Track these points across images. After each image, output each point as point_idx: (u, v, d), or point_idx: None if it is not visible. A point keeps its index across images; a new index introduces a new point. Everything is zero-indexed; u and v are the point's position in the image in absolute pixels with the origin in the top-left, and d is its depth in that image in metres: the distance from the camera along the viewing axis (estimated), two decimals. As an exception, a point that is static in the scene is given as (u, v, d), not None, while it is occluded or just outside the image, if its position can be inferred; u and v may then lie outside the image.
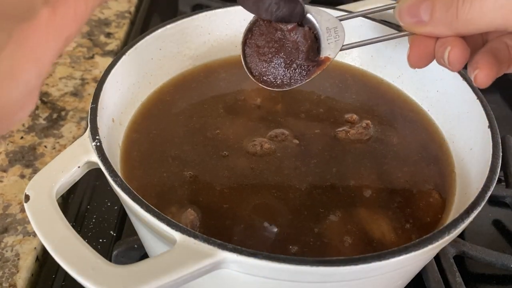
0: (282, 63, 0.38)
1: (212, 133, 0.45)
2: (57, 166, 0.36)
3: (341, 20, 0.38)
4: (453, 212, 0.39)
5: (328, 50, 0.37)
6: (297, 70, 0.38)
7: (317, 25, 0.37)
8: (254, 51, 0.38)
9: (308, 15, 0.37)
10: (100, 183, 0.52)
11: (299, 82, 0.38)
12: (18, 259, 0.45)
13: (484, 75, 0.34)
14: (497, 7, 0.29)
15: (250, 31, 0.38)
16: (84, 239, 0.32)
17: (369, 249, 0.37)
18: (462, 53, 0.34)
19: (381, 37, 0.37)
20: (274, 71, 0.38)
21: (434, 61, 0.46)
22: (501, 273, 0.48)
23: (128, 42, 0.71)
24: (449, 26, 0.32)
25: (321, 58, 0.37)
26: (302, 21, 0.37)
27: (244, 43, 0.39)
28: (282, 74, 0.38)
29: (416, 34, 0.35)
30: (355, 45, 0.38)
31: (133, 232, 0.42)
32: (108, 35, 0.73)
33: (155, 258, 0.30)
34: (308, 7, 0.37)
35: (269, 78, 0.39)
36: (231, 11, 0.51)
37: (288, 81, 0.38)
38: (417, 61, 0.36)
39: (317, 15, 0.37)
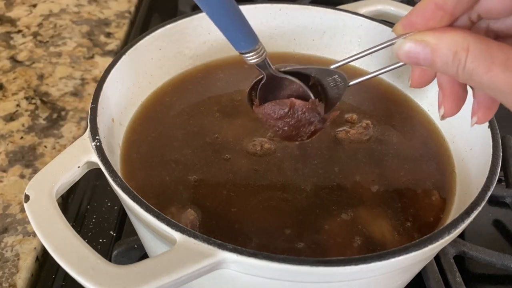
0: (292, 129, 0.39)
1: (212, 134, 0.45)
2: (57, 166, 0.36)
3: (335, 67, 0.38)
4: (453, 212, 0.39)
5: (335, 95, 0.39)
6: (304, 130, 0.40)
7: (321, 81, 0.38)
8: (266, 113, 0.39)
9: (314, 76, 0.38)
10: (100, 183, 0.52)
11: (305, 138, 0.40)
12: (18, 259, 0.45)
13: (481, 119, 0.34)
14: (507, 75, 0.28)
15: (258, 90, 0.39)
16: (84, 239, 0.32)
17: (369, 249, 0.37)
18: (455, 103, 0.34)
19: (379, 45, 0.36)
20: (281, 128, 0.40)
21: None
22: (501, 273, 0.48)
23: (128, 42, 0.71)
24: (451, 75, 0.31)
25: (328, 116, 0.39)
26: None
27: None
28: (288, 133, 0.40)
29: None
30: (356, 58, 0.38)
31: (133, 232, 0.42)
32: (108, 35, 0.73)
33: (155, 258, 0.30)
34: (312, 69, 0.38)
35: (275, 129, 0.40)
36: (231, 11, 0.51)
37: (294, 137, 0.40)
38: (417, 84, 0.36)
39: (319, 75, 0.38)
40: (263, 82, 0.38)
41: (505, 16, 0.31)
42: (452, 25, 0.31)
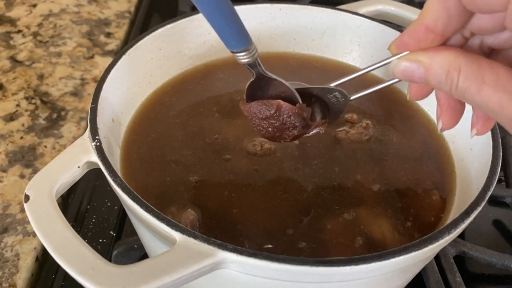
0: (276, 131, 0.40)
1: (212, 134, 0.45)
2: (57, 166, 0.36)
3: (335, 84, 0.39)
4: (453, 212, 0.39)
5: (337, 110, 0.40)
6: (288, 133, 0.40)
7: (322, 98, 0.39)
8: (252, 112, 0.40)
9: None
10: (100, 183, 0.52)
11: (287, 141, 0.40)
12: (18, 259, 0.45)
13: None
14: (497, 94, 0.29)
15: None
16: (84, 239, 0.32)
17: (369, 249, 0.37)
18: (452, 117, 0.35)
19: (376, 64, 0.37)
20: (265, 129, 0.40)
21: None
22: (501, 273, 0.48)
23: (128, 42, 0.71)
24: (445, 92, 0.32)
25: (313, 123, 0.39)
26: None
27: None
28: (271, 134, 0.40)
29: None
30: (353, 76, 0.39)
31: (133, 232, 0.42)
32: (108, 35, 0.73)
33: (155, 258, 0.30)
34: (313, 88, 0.39)
35: (259, 128, 0.40)
36: (231, 11, 0.51)
37: (276, 138, 0.40)
38: (415, 97, 0.37)
39: (320, 93, 0.39)
40: (252, 80, 0.38)
41: (497, 32, 0.31)
42: (445, 43, 0.32)
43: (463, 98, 0.30)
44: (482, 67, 0.29)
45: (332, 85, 0.39)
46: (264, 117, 0.39)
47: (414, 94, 0.37)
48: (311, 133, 0.40)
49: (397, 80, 0.35)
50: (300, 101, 0.38)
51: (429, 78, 0.31)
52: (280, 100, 0.38)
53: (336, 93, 0.39)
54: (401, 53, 0.32)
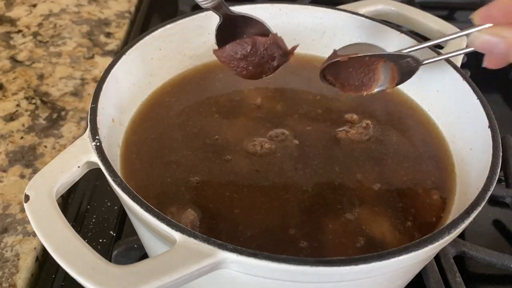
0: (256, 67, 0.40)
1: (212, 135, 0.45)
2: (57, 166, 0.36)
3: (407, 51, 0.41)
4: (453, 212, 0.39)
5: (407, 72, 0.41)
6: (268, 66, 0.40)
7: None
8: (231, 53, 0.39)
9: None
10: (100, 183, 0.52)
11: (269, 74, 0.40)
12: (18, 259, 0.45)
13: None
14: None
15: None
16: (84, 239, 0.32)
17: (370, 249, 0.37)
18: None
19: (456, 33, 0.39)
20: (246, 68, 0.40)
21: (434, 62, 0.46)
22: (501, 273, 0.48)
23: (128, 42, 0.71)
24: None
25: (290, 50, 0.39)
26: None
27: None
28: (252, 72, 0.40)
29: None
30: (429, 44, 0.42)
31: (133, 232, 0.42)
32: (108, 35, 0.73)
33: (155, 258, 0.30)
34: (385, 54, 0.40)
35: (239, 70, 0.40)
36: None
37: (258, 74, 0.40)
38: (492, 65, 0.37)
39: (392, 59, 0.40)
40: (219, 23, 0.37)
41: None
42: None
43: None
44: None
45: (405, 51, 0.40)
46: (241, 56, 0.38)
47: (490, 63, 0.37)
48: (376, 90, 0.41)
49: (470, 49, 0.35)
50: (272, 32, 0.38)
51: (511, 53, 0.31)
52: (253, 36, 0.38)
53: (409, 59, 0.40)
54: (484, 25, 0.32)
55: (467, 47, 0.35)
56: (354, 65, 0.39)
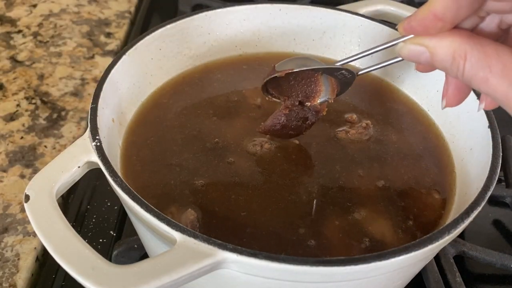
0: (297, 129, 0.44)
1: (212, 136, 0.45)
2: (57, 166, 0.36)
3: (340, 64, 0.41)
4: (453, 212, 0.39)
5: (344, 85, 0.42)
6: (304, 126, 0.44)
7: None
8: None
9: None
10: (100, 183, 0.52)
11: (308, 129, 0.44)
12: (18, 259, 0.45)
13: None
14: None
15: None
16: (84, 239, 0.32)
17: (370, 249, 0.37)
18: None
19: (381, 45, 0.38)
20: (288, 133, 0.44)
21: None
22: (501, 273, 0.48)
23: (128, 42, 0.71)
24: (453, 77, 0.31)
25: (318, 108, 0.42)
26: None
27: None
28: (295, 134, 0.44)
29: None
30: (358, 57, 0.41)
31: (133, 232, 0.42)
32: (108, 35, 0.73)
33: (155, 258, 0.30)
34: (319, 68, 0.41)
35: (285, 137, 0.44)
36: (231, 11, 0.51)
37: (300, 133, 0.44)
38: (452, 103, 0.36)
39: (327, 72, 0.42)
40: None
41: None
42: (458, 25, 0.31)
43: (470, 84, 0.29)
44: (489, 55, 0.28)
45: (338, 64, 0.41)
46: (280, 127, 0.42)
47: (420, 68, 0.37)
48: (319, 101, 0.42)
49: (399, 59, 0.35)
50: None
51: (435, 63, 0.30)
52: (282, 108, 0.42)
53: (344, 71, 0.41)
54: (406, 36, 0.32)
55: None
56: (296, 78, 0.41)
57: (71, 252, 0.31)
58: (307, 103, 0.42)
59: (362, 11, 0.53)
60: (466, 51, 0.29)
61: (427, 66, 0.36)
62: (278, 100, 0.43)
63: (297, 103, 0.42)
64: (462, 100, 0.35)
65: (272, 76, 0.41)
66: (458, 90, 0.34)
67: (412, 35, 0.32)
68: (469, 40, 0.29)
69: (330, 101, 0.42)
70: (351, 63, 0.41)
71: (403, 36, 0.33)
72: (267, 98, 0.43)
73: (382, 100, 0.50)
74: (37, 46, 0.69)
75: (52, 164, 0.36)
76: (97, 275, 0.29)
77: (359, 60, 0.41)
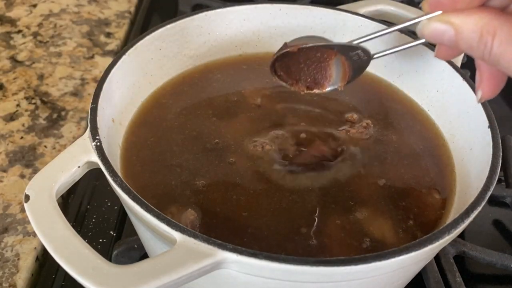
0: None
1: (212, 136, 0.44)
2: (57, 166, 0.36)
3: (357, 42, 0.39)
4: (453, 212, 0.39)
5: (358, 68, 0.41)
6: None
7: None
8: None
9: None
10: (100, 183, 0.52)
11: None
12: (18, 259, 0.45)
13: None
14: None
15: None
16: (84, 239, 0.32)
17: (370, 249, 0.37)
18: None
19: (403, 23, 0.37)
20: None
21: (434, 61, 0.46)
22: (501, 273, 0.48)
23: (128, 42, 0.71)
24: (477, 57, 0.30)
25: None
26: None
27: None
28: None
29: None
30: (378, 35, 0.39)
31: (133, 232, 0.42)
32: (108, 35, 0.73)
33: (155, 258, 0.30)
34: (334, 45, 0.39)
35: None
36: (231, 11, 0.51)
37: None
38: (442, 56, 0.35)
39: (342, 51, 0.39)
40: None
41: None
42: (486, 3, 0.29)
43: (497, 64, 0.28)
44: None
45: (355, 42, 0.38)
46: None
47: (441, 53, 0.35)
48: (328, 89, 0.40)
49: (423, 40, 0.34)
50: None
51: (460, 42, 0.29)
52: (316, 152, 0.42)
53: (359, 51, 0.38)
54: (432, 12, 0.30)
55: (418, 38, 0.33)
56: (306, 61, 0.39)
57: (71, 252, 0.31)
58: (315, 90, 0.40)
59: (362, 11, 0.53)
60: (495, 27, 0.27)
61: (448, 50, 0.34)
62: (285, 84, 0.41)
63: (304, 89, 0.40)
64: (498, 89, 0.33)
65: (284, 51, 0.38)
66: (493, 78, 0.32)
67: (436, 13, 0.30)
68: (498, 16, 0.27)
69: (339, 89, 0.40)
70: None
71: (426, 14, 0.31)
72: (274, 80, 0.41)
73: (383, 100, 0.50)
74: (37, 46, 0.69)
75: (52, 164, 0.36)
76: (97, 275, 0.29)
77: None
